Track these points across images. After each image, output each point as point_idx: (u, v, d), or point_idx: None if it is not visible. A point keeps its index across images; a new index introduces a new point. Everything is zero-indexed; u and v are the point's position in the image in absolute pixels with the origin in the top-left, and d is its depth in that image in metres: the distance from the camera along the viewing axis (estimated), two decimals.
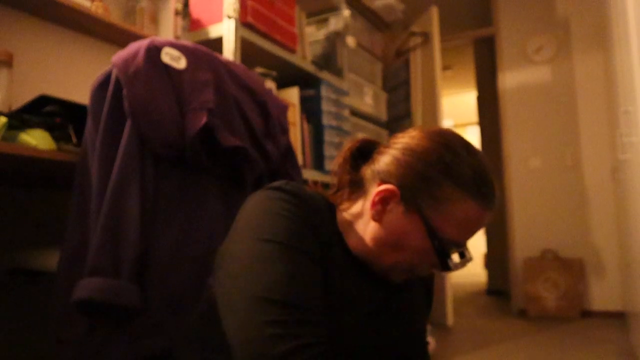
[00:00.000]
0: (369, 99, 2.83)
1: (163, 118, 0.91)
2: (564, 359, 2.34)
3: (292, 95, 1.92)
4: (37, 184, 1.48)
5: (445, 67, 5.28)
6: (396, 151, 0.69)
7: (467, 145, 0.68)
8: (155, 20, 1.84)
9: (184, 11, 1.81)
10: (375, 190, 0.68)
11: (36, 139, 1.01)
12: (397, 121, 3.51)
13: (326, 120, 2.04)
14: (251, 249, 0.59)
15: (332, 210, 0.74)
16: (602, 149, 3.45)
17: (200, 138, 0.93)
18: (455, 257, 0.70)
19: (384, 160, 0.69)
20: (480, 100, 4.66)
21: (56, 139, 1.07)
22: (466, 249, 0.71)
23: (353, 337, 0.65)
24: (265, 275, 0.57)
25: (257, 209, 0.64)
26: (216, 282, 0.64)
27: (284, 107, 1.21)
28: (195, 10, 1.74)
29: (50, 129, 1.07)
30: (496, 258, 4.40)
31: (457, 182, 0.64)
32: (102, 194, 0.87)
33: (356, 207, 0.72)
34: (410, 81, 3.48)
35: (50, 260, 1.18)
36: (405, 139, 0.69)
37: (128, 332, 0.85)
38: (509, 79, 3.80)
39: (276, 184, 0.67)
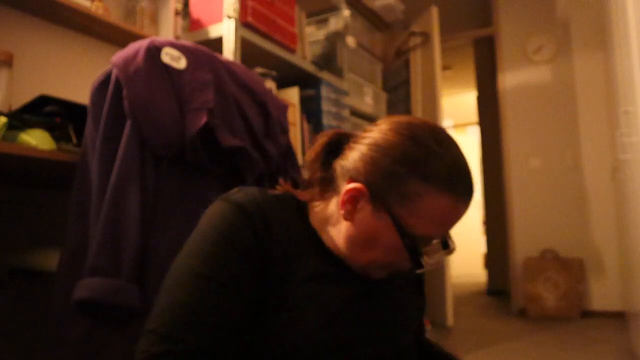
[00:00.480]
0: (369, 99, 2.84)
1: (163, 118, 0.91)
2: (564, 359, 2.34)
3: (292, 95, 1.92)
4: (37, 184, 1.48)
5: (445, 67, 5.28)
6: (364, 147, 0.66)
7: (437, 136, 0.65)
8: (155, 20, 1.84)
9: (184, 11, 1.81)
10: (344, 188, 0.66)
11: (36, 139, 1.01)
12: None
13: (326, 120, 2.04)
14: (175, 273, 0.62)
15: (303, 209, 0.72)
16: (602, 149, 3.45)
17: (200, 138, 0.93)
18: (435, 252, 0.68)
19: (353, 157, 0.67)
20: (480, 100, 4.66)
21: (56, 139, 1.07)
22: (448, 238, 0.69)
23: (326, 336, 0.63)
24: (175, 305, 0.59)
25: (201, 225, 0.65)
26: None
27: (284, 107, 1.21)
28: (195, 10, 1.74)
29: (50, 129, 1.07)
30: (496, 258, 4.40)
31: (424, 177, 0.61)
32: (102, 194, 0.87)
33: (329, 206, 0.70)
34: (410, 81, 3.48)
35: (50, 260, 1.18)
36: (374, 133, 0.67)
37: (128, 332, 0.85)
38: (509, 79, 3.80)
39: (227, 193, 0.67)
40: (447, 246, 0.70)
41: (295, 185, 0.77)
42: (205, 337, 0.58)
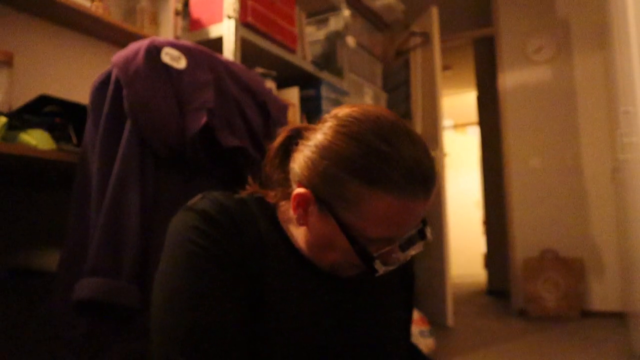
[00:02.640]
0: (369, 99, 2.83)
1: (163, 118, 0.91)
2: (564, 359, 2.34)
3: (292, 95, 1.92)
4: (37, 184, 1.48)
5: (445, 67, 5.28)
6: (307, 148, 0.63)
7: (383, 132, 0.59)
8: (155, 20, 1.84)
9: (184, 11, 1.81)
10: (293, 193, 0.63)
11: (36, 139, 1.01)
12: None
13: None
14: (163, 293, 0.60)
15: (271, 210, 0.70)
16: (602, 149, 3.45)
17: (200, 138, 0.93)
18: (403, 250, 0.65)
19: (299, 160, 0.64)
20: (480, 100, 4.66)
21: (56, 139, 1.07)
22: (424, 228, 0.66)
23: (302, 338, 0.63)
24: (172, 331, 0.57)
25: (170, 239, 0.63)
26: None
27: (284, 107, 1.21)
28: (195, 10, 1.74)
29: (50, 129, 1.07)
30: (496, 258, 4.40)
31: (367, 180, 0.57)
32: (102, 194, 0.87)
33: (289, 209, 0.68)
34: (410, 81, 3.48)
35: (50, 260, 1.18)
36: (317, 133, 0.63)
37: (128, 332, 0.85)
38: (509, 79, 3.80)
39: (191, 202, 0.65)
40: (424, 236, 0.66)
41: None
42: (224, 354, 0.57)
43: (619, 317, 3.17)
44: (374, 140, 0.58)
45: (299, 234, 0.67)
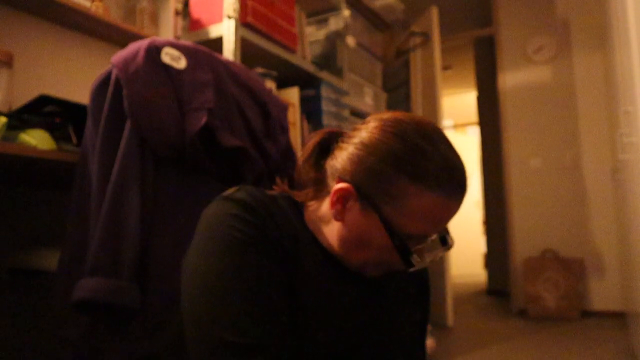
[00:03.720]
0: (369, 99, 2.83)
1: (163, 118, 0.91)
2: (563, 359, 2.34)
3: (292, 95, 1.92)
4: (37, 184, 1.48)
5: (445, 67, 5.28)
6: (351, 146, 0.65)
7: (425, 133, 0.63)
8: (155, 20, 1.84)
9: (184, 11, 1.81)
10: (333, 189, 0.65)
11: (36, 139, 1.01)
12: None
13: (326, 120, 2.04)
14: (205, 281, 0.59)
15: (299, 209, 0.72)
16: (602, 149, 3.45)
17: (200, 138, 0.93)
18: (431, 250, 0.67)
19: (341, 157, 0.66)
20: (480, 100, 4.66)
21: (56, 139, 1.07)
22: (446, 234, 0.68)
23: (327, 335, 0.64)
24: (223, 315, 0.57)
25: (208, 227, 0.62)
26: (181, 301, 0.62)
27: (284, 107, 1.21)
28: (195, 10, 1.74)
29: (50, 129, 1.07)
30: (496, 258, 4.40)
31: (412, 176, 0.60)
32: (102, 194, 0.87)
33: (323, 206, 0.69)
34: (410, 81, 3.48)
35: (50, 260, 1.18)
36: (361, 132, 0.66)
37: (128, 332, 0.85)
38: (509, 79, 3.80)
39: (227, 192, 0.65)
40: (445, 242, 0.69)
41: (293, 185, 0.77)
42: (279, 336, 0.58)
43: (619, 317, 3.17)
44: (419, 139, 0.62)
45: (330, 232, 0.68)
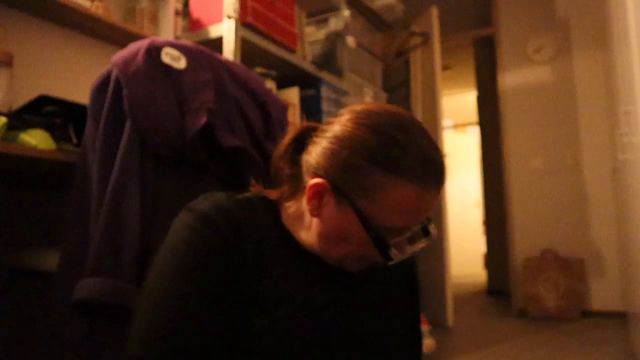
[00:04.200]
0: (369, 99, 2.83)
1: (163, 118, 0.91)
2: (563, 359, 2.34)
3: (292, 95, 1.92)
4: (37, 184, 1.48)
5: (445, 67, 5.28)
6: (325, 140, 0.65)
7: (400, 124, 0.62)
8: (155, 20, 1.84)
9: (184, 11, 1.81)
10: (309, 184, 0.64)
11: (36, 139, 1.01)
12: None
13: (326, 120, 2.04)
14: (147, 294, 0.61)
15: (275, 208, 0.71)
16: (602, 149, 3.45)
17: (200, 138, 0.93)
18: (413, 242, 0.66)
19: (315, 151, 0.65)
20: (480, 100, 4.66)
21: (56, 139, 1.07)
22: (428, 225, 0.67)
23: (307, 334, 0.63)
24: (140, 328, 0.59)
25: (167, 240, 0.64)
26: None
27: (284, 107, 1.21)
28: (195, 10, 1.74)
29: (50, 129, 1.07)
30: (496, 258, 4.40)
31: (386, 168, 0.59)
32: (102, 194, 0.88)
33: (300, 203, 0.69)
34: (410, 81, 3.48)
35: (50, 260, 1.18)
36: (334, 126, 0.65)
37: (128, 332, 0.85)
38: (509, 79, 3.80)
39: (192, 202, 0.66)
40: (427, 233, 0.68)
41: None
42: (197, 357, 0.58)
43: (619, 317, 3.17)
44: (393, 130, 0.61)
45: (307, 229, 0.67)
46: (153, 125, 0.89)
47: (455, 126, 7.33)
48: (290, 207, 0.70)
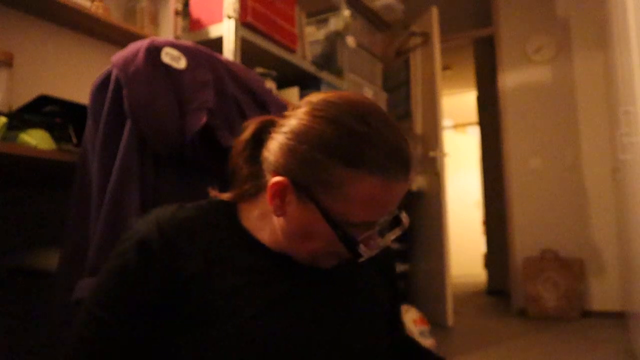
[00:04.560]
0: None
1: (163, 118, 0.91)
2: (563, 359, 2.34)
3: (292, 95, 1.92)
4: (37, 184, 1.48)
5: (445, 67, 5.28)
6: (281, 135, 0.61)
7: (360, 114, 0.59)
8: (155, 20, 1.84)
9: (184, 11, 1.81)
10: (269, 183, 0.61)
11: (36, 139, 1.01)
12: (397, 121, 3.50)
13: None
14: (86, 302, 0.63)
15: (231, 211, 0.68)
16: (602, 149, 3.45)
17: (200, 138, 0.93)
18: (383, 235, 0.64)
19: (273, 148, 0.62)
20: (480, 100, 4.66)
21: (56, 139, 1.07)
22: (399, 214, 0.65)
23: (277, 336, 0.59)
24: (73, 334, 0.61)
25: (107, 263, 0.64)
26: None
27: (284, 107, 1.21)
28: (195, 10, 1.74)
29: (50, 129, 1.07)
30: (496, 258, 4.40)
31: (348, 162, 0.56)
32: (102, 194, 0.88)
33: (262, 202, 0.66)
34: (410, 81, 3.48)
35: (50, 260, 1.18)
36: (291, 120, 0.62)
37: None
38: (509, 79, 3.80)
39: (139, 222, 0.64)
40: (399, 222, 0.66)
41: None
42: None
43: (619, 317, 3.17)
44: (352, 121, 0.58)
45: (272, 228, 0.65)
46: (153, 125, 0.89)
47: (455, 126, 7.33)
48: (252, 207, 0.68)
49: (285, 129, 0.61)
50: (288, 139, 0.60)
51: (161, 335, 0.60)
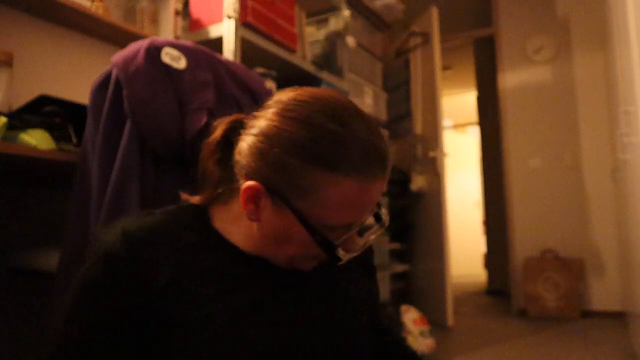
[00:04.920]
0: (369, 99, 2.83)
1: (163, 118, 0.91)
2: (563, 359, 2.34)
3: None
4: (37, 184, 1.48)
5: (445, 67, 5.28)
6: (251, 137, 0.58)
7: (333, 113, 0.56)
8: (155, 20, 1.84)
9: (184, 11, 1.81)
10: (242, 188, 0.59)
11: (36, 139, 1.01)
12: (397, 121, 3.51)
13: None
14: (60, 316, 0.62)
15: (203, 215, 0.66)
16: (602, 149, 3.45)
17: (200, 138, 0.93)
18: (365, 233, 0.62)
19: (243, 150, 0.59)
20: (480, 100, 4.66)
21: (56, 139, 1.07)
22: (379, 211, 0.63)
23: (240, 335, 0.57)
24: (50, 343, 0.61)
25: (75, 279, 0.62)
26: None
27: None
28: (195, 10, 1.74)
29: (50, 129, 1.07)
30: (496, 258, 4.40)
31: (323, 165, 0.54)
32: (102, 194, 0.88)
33: (235, 206, 0.63)
34: (410, 81, 3.48)
35: (50, 260, 1.18)
36: (261, 120, 0.59)
37: None
38: (509, 79, 3.80)
39: (103, 231, 0.62)
40: (379, 220, 0.64)
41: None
42: None
43: (619, 317, 3.17)
44: (325, 122, 0.55)
45: (247, 232, 0.63)
46: (153, 125, 0.89)
47: (455, 126, 7.33)
48: (225, 210, 0.65)
49: (255, 130, 0.59)
50: (259, 141, 0.57)
51: (136, 348, 0.59)
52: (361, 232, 0.64)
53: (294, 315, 0.62)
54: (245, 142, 0.59)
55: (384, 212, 0.65)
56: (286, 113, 0.57)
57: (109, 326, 0.58)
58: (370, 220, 0.64)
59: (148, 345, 0.58)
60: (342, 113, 0.57)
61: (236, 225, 0.64)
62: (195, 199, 0.68)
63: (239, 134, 0.62)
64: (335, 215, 0.56)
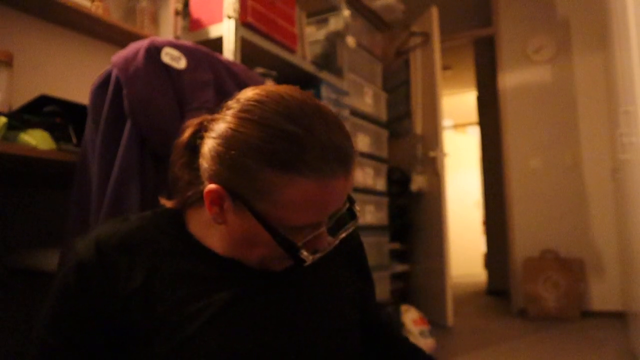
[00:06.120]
0: (369, 99, 2.83)
1: (163, 118, 0.91)
2: (563, 359, 2.34)
3: None
4: (37, 184, 1.48)
5: (445, 67, 5.28)
6: (211, 140, 0.58)
7: (290, 112, 0.55)
8: (155, 20, 1.84)
9: (184, 11, 1.81)
10: (204, 192, 0.59)
11: (36, 139, 1.01)
12: (397, 121, 3.51)
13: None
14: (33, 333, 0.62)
15: (179, 219, 0.67)
16: (602, 149, 3.45)
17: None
18: (337, 230, 0.62)
19: (205, 153, 0.59)
20: (480, 100, 4.66)
21: (56, 139, 1.07)
22: (352, 206, 0.63)
23: (217, 345, 0.57)
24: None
25: (52, 286, 0.62)
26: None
27: None
28: (195, 10, 1.74)
29: (50, 129, 1.07)
30: (496, 258, 4.40)
31: (280, 166, 0.53)
32: (103, 194, 0.88)
33: (205, 210, 0.62)
34: (410, 81, 3.48)
35: (50, 260, 1.18)
36: (220, 123, 0.59)
37: None
38: (509, 79, 3.80)
39: (79, 241, 0.63)
40: (353, 215, 0.64)
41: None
42: None
43: (619, 317, 3.17)
44: (280, 122, 0.55)
45: (217, 235, 0.63)
46: (153, 125, 0.90)
47: (455, 126, 7.33)
48: (199, 214, 0.66)
49: (214, 133, 0.59)
50: (218, 144, 0.57)
51: (113, 354, 0.59)
52: (334, 230, 0.63)
53: (271, 317, 0.62)
54: (207, 146, 0.59)
55: (357, 208, 0.64)
56: (242, 114, 0.57)
57: (84, 333, 0.59)
58: (344, 217, 0.64)
59: (125, 350, 0.59)
60: (299, 112, 0.56)
61: (210, 228, 0.64)
62: (169, 204, 0.68)
63: (202, 137, 0.62)
64: (296, 215, 0.56)
